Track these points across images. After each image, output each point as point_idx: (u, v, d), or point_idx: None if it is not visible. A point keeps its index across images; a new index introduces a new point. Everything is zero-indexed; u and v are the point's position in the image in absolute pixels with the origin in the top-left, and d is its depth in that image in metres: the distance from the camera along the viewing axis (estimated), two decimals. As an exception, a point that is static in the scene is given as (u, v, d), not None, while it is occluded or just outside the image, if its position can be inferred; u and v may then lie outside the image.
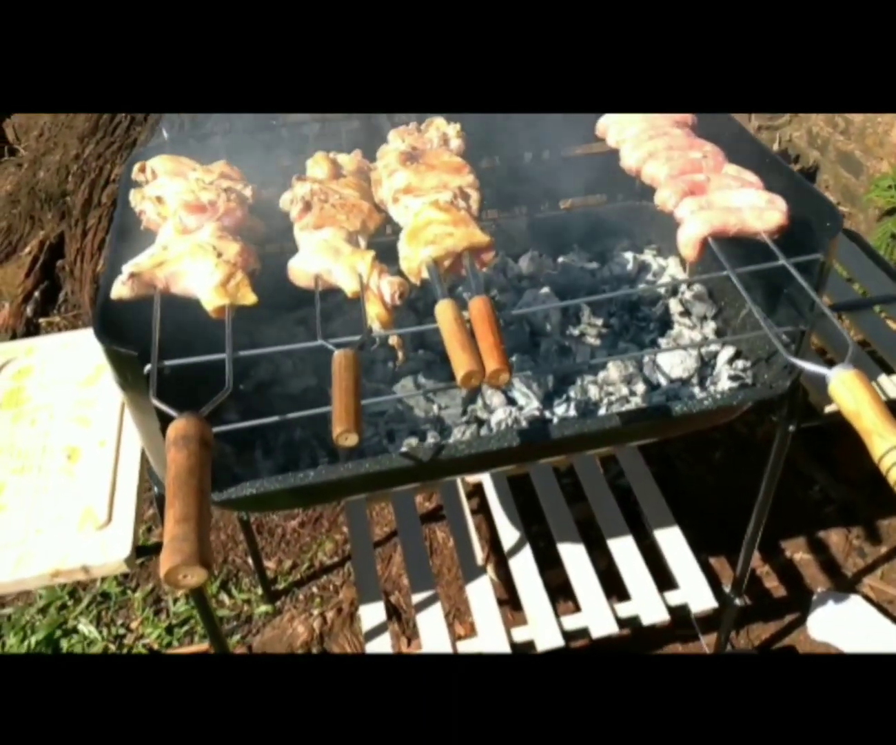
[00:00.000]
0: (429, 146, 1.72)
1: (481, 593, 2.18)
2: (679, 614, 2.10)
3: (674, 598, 2.11)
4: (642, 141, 1.68)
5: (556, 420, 1.70)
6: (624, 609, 2.10)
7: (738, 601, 2.10)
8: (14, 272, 3.78)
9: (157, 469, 1.52)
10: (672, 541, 2.27)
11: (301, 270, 1.48)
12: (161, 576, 1.02)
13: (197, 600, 1.79)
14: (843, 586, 2.59)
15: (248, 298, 1.41)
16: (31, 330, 3.69)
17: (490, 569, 2.63)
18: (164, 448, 1.15)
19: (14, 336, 3.63)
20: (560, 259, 2.12)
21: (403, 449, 1.65)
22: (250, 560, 2.78)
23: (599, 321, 1.93)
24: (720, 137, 1.74)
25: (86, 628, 2.69)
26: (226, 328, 1.35)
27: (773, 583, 2.64)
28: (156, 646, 2.63)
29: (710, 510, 2.81)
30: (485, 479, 2.52)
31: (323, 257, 1.47)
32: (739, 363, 1.80)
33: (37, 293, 3.74)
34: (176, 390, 1.32)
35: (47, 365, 1.96)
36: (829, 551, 2.72)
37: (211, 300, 1.39)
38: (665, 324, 1.93)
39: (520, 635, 2.09)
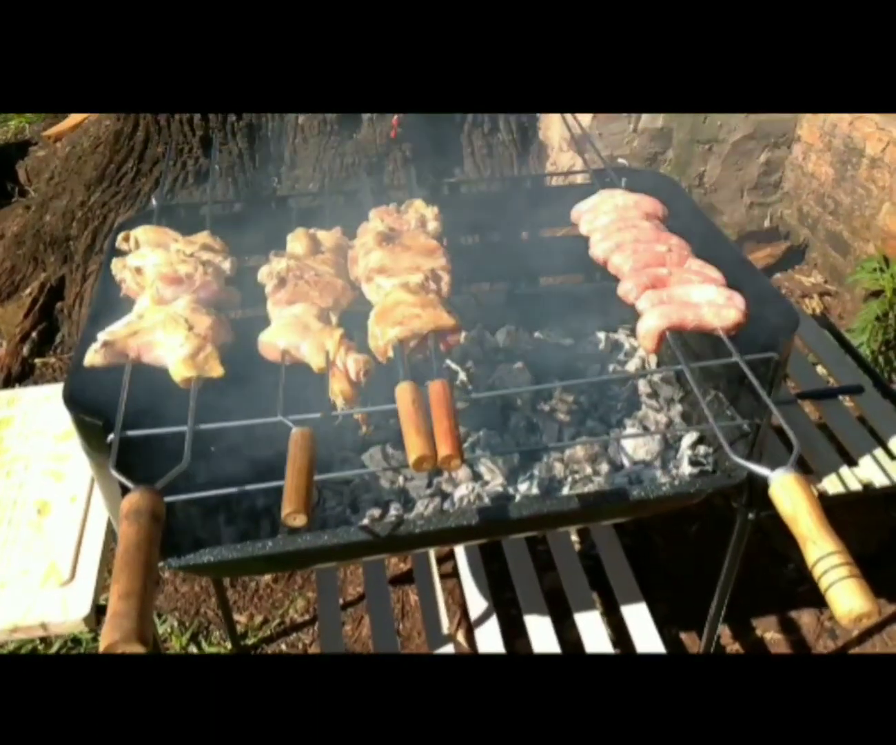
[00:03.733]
0: (406, 228, 1.77)
1: (447, 661, 2.19)
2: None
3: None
4: (611, 232, 1.73)
5: (518, 498, 1.73)
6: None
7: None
8: (14, 312, 3.84)
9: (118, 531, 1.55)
10: (638, 617, 2.29)
11: (270, 344, 1.52)
12: (100, 648, 1.05)
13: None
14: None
15: (216, 370, 1.45)
16: (27, 370, 3.74)
17: (460, 635, 2.64)
18: (118, 522, 1.18)
19: (9, 375, 3.68)
20: (536, 334, 2.16)
21: (365, 521, 1.68)
22: (221, 613, 2.79)
23: (570, 398, 1.97)
24: (690, 231, 1.79)
25: (57, 673, 2.69)
26: (190, 401, 1.39)
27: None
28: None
29: (683, 584, 2.82)
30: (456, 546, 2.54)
31: (291, 333, 1.51)
32: (702, 449, 1.83)
33: (34, 333, 3.80)
34: (141, 457, 1.36)
35: (28, 417, 2.00)
36: (801, 631, 2.72)
37: (178, 372, 1.44)
38: (633, 404, 1.97)
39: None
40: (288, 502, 1.22)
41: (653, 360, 2.09)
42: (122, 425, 1.35)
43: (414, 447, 1.27)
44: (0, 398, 2.06)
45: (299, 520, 1.22)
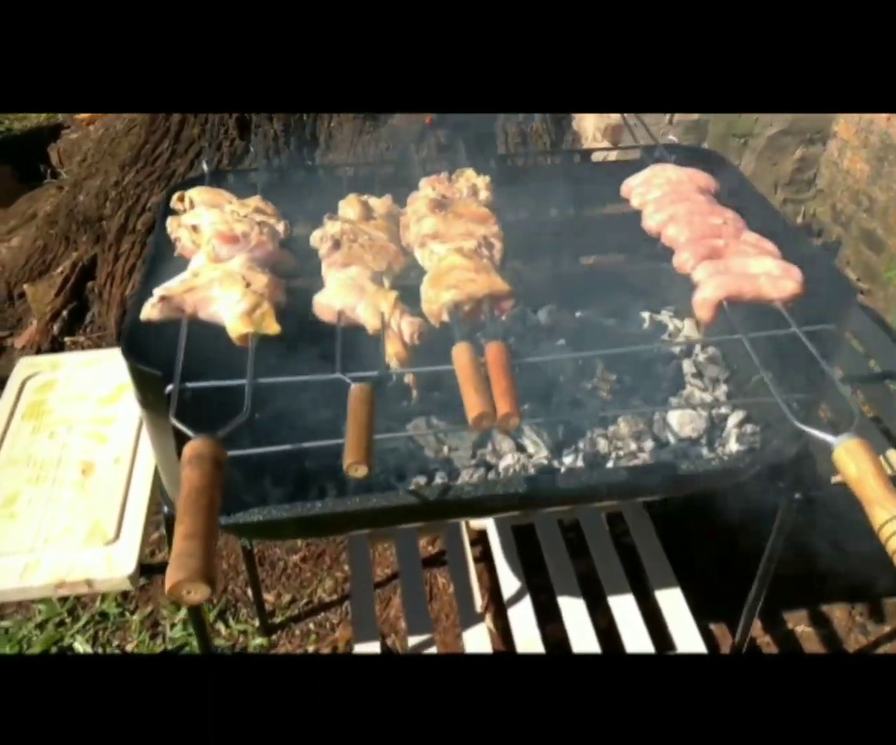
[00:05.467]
0: (458, 196, 1.76)
1: (478, 642, 2.18)
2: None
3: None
4: (664, 204, 1.72)
5: (563, 470, 1.72)
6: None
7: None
8: (45, 290, 3.86)
9: (169, 488, 1.55)
10: (673, 603, 2.27)
11: (326, 305, 1.52)
12: (166, 590, 1.05)
13: (195, 621, 1.81)
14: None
15: (272, 327, 1.45)
16: (56, 348, 3.75)
17: (488, 618, 2.63)
18: (179, 467, 1.18)
19: (39, 353, 3.69)
20: (578, 314, 2.15)
21: (411, 487, 1.67)
22: (249, 591, 2.79)
23: (613, 376, 1.96)
24: (742, 206, 1.78)
25: (81, 646, 2.70)
26: (249, 355, 1.39)
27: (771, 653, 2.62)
28: (151, 669, 2.63)
29: (711, 575, 2.79)
30: (489, 526, 2.53)
31: (347, 294, 1.51)
32: (748, 427, 1.82)
33: (65, 313, 3.81)
34: (194, 413, 1.36)
35: (70, 381, 2.00)
36: (832, 625, 2.70)
37: (236, 327, 1.43)
38: (677, 384, 1.96)
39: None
40: (350, 453, 1.22)
41: (696, 340, 2.07)
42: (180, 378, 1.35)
43: (474, 405, 1.26)
44: (43, 362, 2.07)
45: (361, 471, 1.22)
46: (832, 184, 4.05)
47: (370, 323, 1.49)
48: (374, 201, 1.77)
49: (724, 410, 1.87)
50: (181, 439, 1.30)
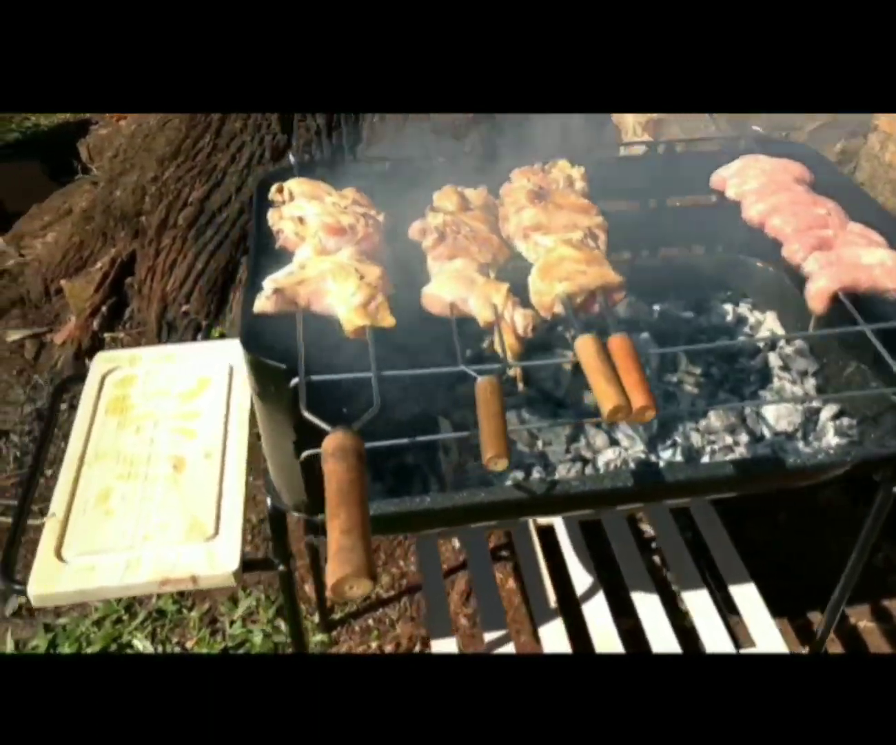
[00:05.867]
0: (554, 186, 1.74)
1: (555, 639, 2.17)
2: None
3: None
4: (765, 195, 1.70)
5: (662, 463, 1.70)
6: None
7: (820, 663, 2.07)
8: (83, 286, 3.83)
9: (280, 483, 1.53)
10: (748, 599, 2.25)
11: (436, 297, 1.50)
12: (328, 586, 1.03)
13: (291, 620, 1.80)
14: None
15: (388, 320, 1.43)
16: (97, 344, 3.73)
17: (557, 613, 2.61)
18: (322, 460, 1.16)
19: (80, 348, 3.67)
20: (656, 306, 2.13)
21: (508, 482, 1.66)
22: (306, 587, 2.78)
23: (697, 370, 1.94)
24: (838, 196, 1.76)
25: (140, 643, 2.68)
26: (370, 348, 1.37)
27: (837, 649, 2.60)
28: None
29: (772, 571, 2.78)
30: (557, 523, 2.52)
31: (458, 286, 1.49)
32: (845, 420, 1.80)
33: (104, 308, 3.78)
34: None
35: (150, 376, 1.98)
36: (894, 620, 2.69)
37: (352, 320, 1.42)
38: (764, 377, 1.94)
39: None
40: (490, 446, 1.20)
41: (778, 331, 2.06)
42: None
43: (608, 397, 1.25)
44: (122, 357, 2.05)
45: (501, 463, 1.21)
46: (873, 177, 4.03)
47: (482, 315, 1.47)
48: (469, 192, 1.75)
49: (815, 404, 1.85)
50: (303, 432, 1.29)
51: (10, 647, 2.66)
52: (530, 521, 2.46)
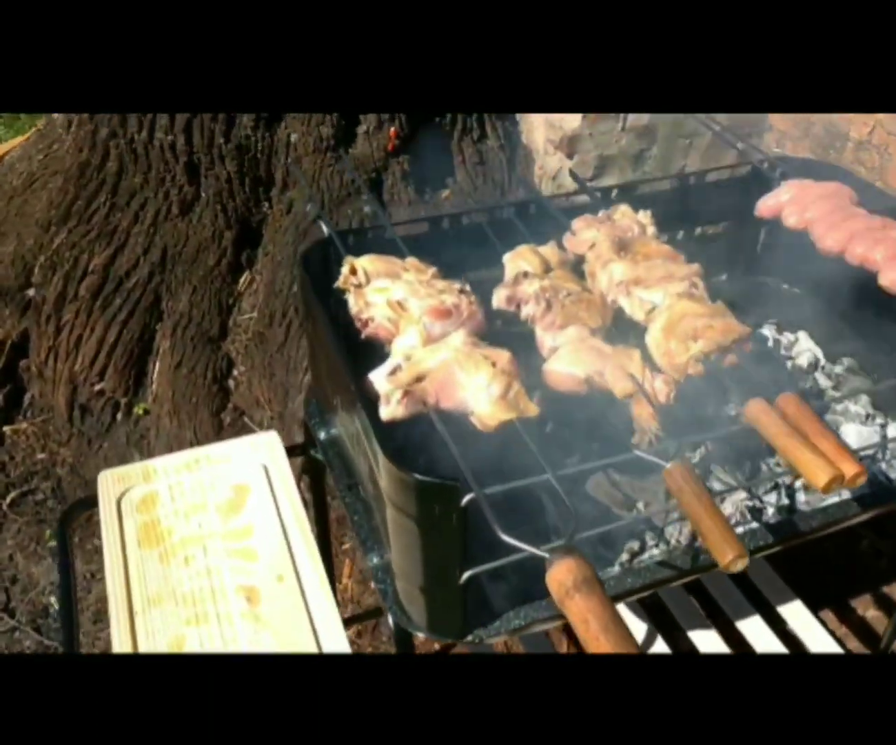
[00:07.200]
0: (629, 235, 1.64)
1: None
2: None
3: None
4: (836, 221, 1.67)
5: (771, 509, 1.64)
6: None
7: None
8: (-33, 378, 3.37)
9: (410, 603, 1.34)
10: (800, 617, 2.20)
11: (568, 374, 1.36)
12: None
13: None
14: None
15: (531, 408, 1.28)
16: (-2, 439, 3.29)
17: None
18: (557, 596, 1.00)
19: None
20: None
21: (625, 556, 1.54)
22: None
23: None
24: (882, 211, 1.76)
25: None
26: (530, 445, 1.21)
27: (854, 644, 2.65)
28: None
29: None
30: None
31: (590, 359, 1.36)
32: (913, 437, 1.79)
33: (-1, 398, 3.35)
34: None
35: (175, 490, 1.72)
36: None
37: (493, 415, 1.25)
38: (820, 399, 1.91)
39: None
40: (729, 548, 1.08)
41: (815, 351, 2.04)
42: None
43: (822, 469, 1.16)
44: (131, 473, 1.76)
45: (741, 563, 1.09)
46: (772, 174, 4.20)
47: (620, 387, 1.34)
48: (543, 250, 1.62)
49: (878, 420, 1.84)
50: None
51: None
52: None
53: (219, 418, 3.18)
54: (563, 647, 2.47)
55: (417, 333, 1.35)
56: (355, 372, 1.33)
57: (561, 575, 1.01)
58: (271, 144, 3.48)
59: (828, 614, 2.72)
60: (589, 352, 1.37)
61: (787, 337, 2.09)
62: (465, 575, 1.22)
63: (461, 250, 1.70)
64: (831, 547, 2.90)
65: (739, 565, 1.09)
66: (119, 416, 3.29)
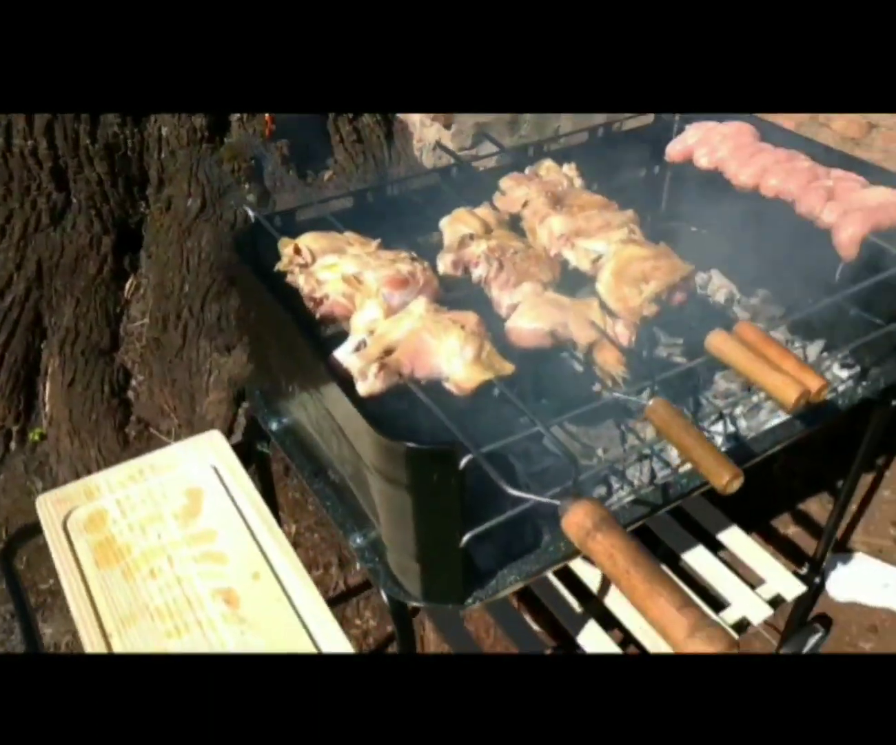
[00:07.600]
0: (560, 188, 1.67)
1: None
2: (778, 605, 2.15)
3: (767, 592, 2.16)
4: (745, 158, 1.75)
5: (720, 439, 1.71)
6: (729, 615, 2.11)
7: (816, 580, 2.23)
8: None
9: (402, 573, 1.33)
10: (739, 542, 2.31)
11: (532, 330, 1.38)
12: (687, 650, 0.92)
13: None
14: (837, 547, 2.81)
15: (507, 367, 1.29)
16: None
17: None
18: (577, 539, 1.03)
19: None
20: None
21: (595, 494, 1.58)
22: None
23: (680, 341, 1.96)
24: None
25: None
26: (514, 401, 1.23)
27: (781, 561, 2.79)
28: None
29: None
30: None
31: (552, 312, 1.38)
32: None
33: None
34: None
35: (124, 505, 1.64)
36: (813, 519, 2.94)
37: (471, 377, 1.26)
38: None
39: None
40: (725, 471, 1.13)
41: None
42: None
43: (790, 387, 1.23)
44: (70, 494, 1.66)
45: (737, 483, 1.14)
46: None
47: (583, 336, 1.37)
48: (479, 212, 1.62)
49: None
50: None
51: None
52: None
53: (123, 433, 3.04)
54: (515, 603, 2.53)
55: (377, 305, 1.33)
56: (322, 351, 1.30)
57: (578, 518, 1.03)
58: (142, 141, 3.34)
59: (755, 536, 2.87)
60: (548, 305, 1.39)
61: (700, 276, 2.17)
62: (466, 537, 1.22)
63: (396, 221, 1.69)
64: (748, 470, 3.06)
65: (735, 485, 1.14)
66: (13, 445, 3.08)
